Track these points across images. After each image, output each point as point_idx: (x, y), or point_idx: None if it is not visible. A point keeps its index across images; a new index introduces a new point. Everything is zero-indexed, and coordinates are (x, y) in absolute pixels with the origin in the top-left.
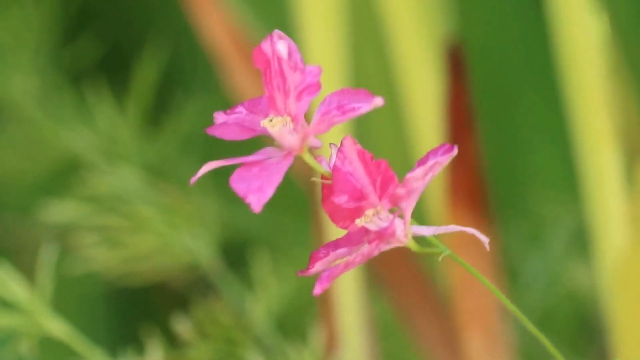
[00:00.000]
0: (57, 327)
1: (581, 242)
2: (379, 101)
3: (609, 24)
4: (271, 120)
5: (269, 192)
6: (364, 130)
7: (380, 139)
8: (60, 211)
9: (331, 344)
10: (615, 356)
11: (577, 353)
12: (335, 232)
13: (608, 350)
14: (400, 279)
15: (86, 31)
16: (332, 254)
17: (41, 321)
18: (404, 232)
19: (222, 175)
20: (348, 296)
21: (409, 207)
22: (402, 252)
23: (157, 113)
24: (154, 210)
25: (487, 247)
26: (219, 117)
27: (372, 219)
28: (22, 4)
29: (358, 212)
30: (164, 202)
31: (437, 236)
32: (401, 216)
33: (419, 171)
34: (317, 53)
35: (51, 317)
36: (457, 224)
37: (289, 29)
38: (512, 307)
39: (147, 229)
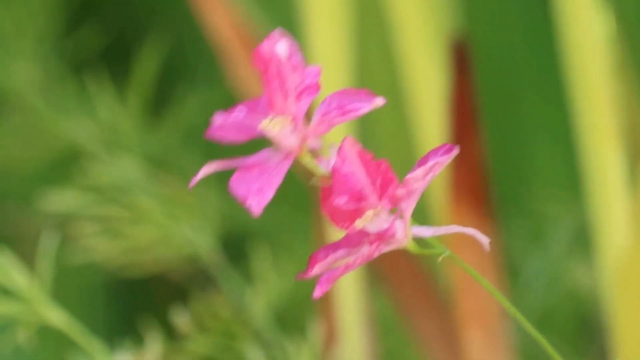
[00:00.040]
0: (56, 316)
1: (583, 241)
2: (379, 101)
3: (615, 23)
4: (271, 121)
5: (269, 194)
6: (367, 127)
7: (384, 135)
8: (61, 201)
9: (330, 339)
10: (616, 356)
11: (578, 352)
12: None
13: (608, 350)
14: (401, 276)
15: (89, 21)
16: (332, 256)
17: (40, 310)
18: (404, 234)
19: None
20: (348, 292)
21: (409, 208)
22: (403, 250)
23: (159, 104)
24: (155, 202)
25: (487, 248)
26: (218, 118)
27: (372, 220)
28: None
29: (358, 213)
30: (164, 193)
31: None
32: (401, 217)
33: (419, 172)
34: (321, 48)
35: (50, 306)
36: (460, 221)
37: (294, 23)
38: (511, 308)
39: (148, 220)
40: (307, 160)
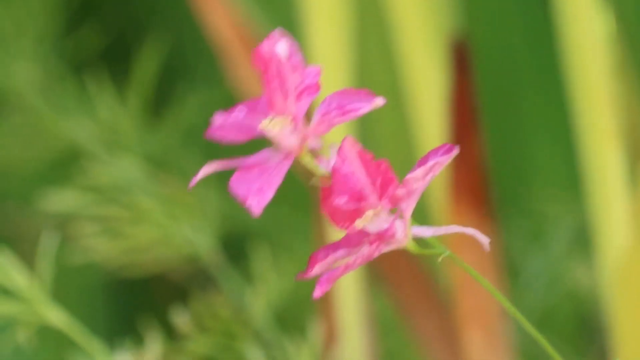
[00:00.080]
0: (56, 316)
1: (583, 241)
2: (379, 101)
3: (615, 23)
4: (271, 121)
5: (269, 194)
6: (367, 126)
7: (384, 135)
8: (61, 200)
9: (330, 339)
10: (616, 356)
11: (578, 352)
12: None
13: (608, 350)
14: (401, 276)
15: (89, 21)
16: (332, 256)
17: (40, 310)
18: (404, 234)
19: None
20: (348, 292)
21: (409, 208)
22: (403, 250)
23: (159, 104)
24: (155, 202)
25: (487, 248)
26: (218, 118)
27: (372, 220)
28: None
29: (358, 213)
30: (164, 193)
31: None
32: (401, 217)
33: (419, 172)
34: (321, 47)
35: (50, 306)
36: (460, 221)
37: (294, 23)
38: (510, 308)
39: (148, 220)
40: (307, 160)
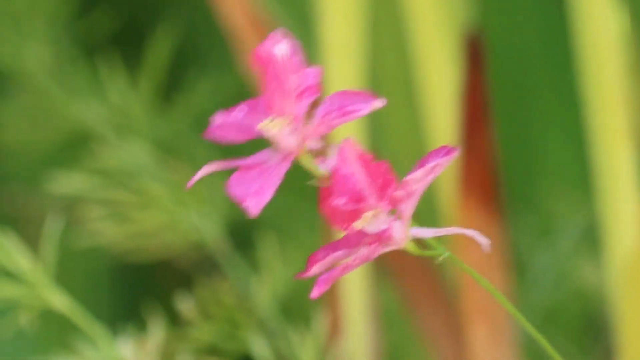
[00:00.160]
0: (59, 300)
1: (591, 239)
2: (378, 103)
3: (630, 21)
4: (270, 122)
5: (267, 195)
6: (379, 121)
7: (396, 130)
8: (69, 183)
9: (335, 330)
10: (621, 356)
11: (583, 351)
12: None
13: (614, 350)
14: (407, 269)
15: (102, 3)
16: (331, 256)
17: (43, 293)
18: (403, 235)
19: (232, 155)
20: (354, 284)
21: (408, 209)
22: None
23: (170, 89)
24: (163, 187)
25: (487, 249)
26: (218, 118)
27: (371, 221)
28: None
29: (357, 214)
30: (173, 179)
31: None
32: (400, 218)
33: (418, 173)
34: (335, 38)
35: (53, 289)
36: (468, 216)
37: (307, 11)
38: (510, 307)
39: (155, 205)
40: (307, 161)
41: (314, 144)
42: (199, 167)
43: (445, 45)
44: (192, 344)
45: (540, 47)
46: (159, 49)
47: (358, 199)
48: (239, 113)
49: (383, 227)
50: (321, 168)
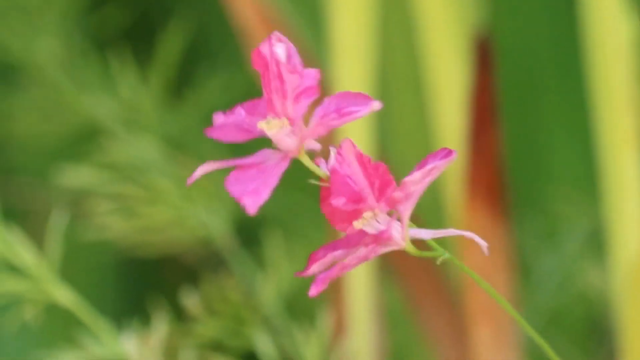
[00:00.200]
0: (63, 295)
1: (596, 243)
2: (376, 105)
3: (639, 24)
4: (269, 122)
5: (265, 194)
6: (387, 120)
7: (404, 129)
8: (77, 177)
9: (339, 329)
10: (624, 359)
11: (586, 354)
12: None
13: (617, 353)
14: (412, 269)
15: None
16: (330, 256)
17: (47, 288)
18: (402, 235)
19: (240, 152)
20: (359, 283)
21: (406, 210)
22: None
23: (181, 85)
24: (171, 183)
25: (487, 252)
26: (218, 118)
27: (370, 221)
28: None
29: (356, 214)
30: (181, 174)
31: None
32: (399, 219)
33: (417, 175)
34: (345, 39)
35: (58, 284)
36: (474, 217)
37: (318, 11)
38: (511, 310)
39: (163, 200)
40: (306, 161)
41: (313, 144)
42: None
43: (454, 46)
44: (196, 339)
45: (549, 49)
46: (170, 45)
47: (357, 199)
48: (239, 113)
49: (382, 227)
50: (322, 168)
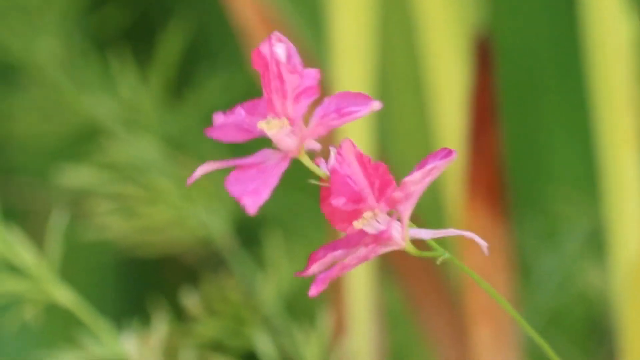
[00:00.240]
0: (63, 295)
1: (596, 243)
2: (376, 105)
3: (639, 25)
4: (269, 122)
5: (265, 194)
6: (388, 120)
7: (405, 130)
8: (77, 177)
9: (339, 329)
10: (624, 359)
11: (586, 354)
12: None
13: (617, 353)
14: (412, 269)
15: None
16: (330, 256)
17: (47, 288)
18: (402, 235)
19: (240, 152)
20: (359, 283)
21: (406, 210)
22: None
23: (181, 85)
24: (171, 183)
25: (486, 252)
26: (218, 118)
27: (370, 221)
28: None
29: (356, 214)
30: (181, 174)
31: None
32: (399, 219)
33: (416, 175)
34: (345, 40)
35: (57, 284)
36: (474, 217)
37: (318, 11)
38: (511, 310)
39: (163, 200)
40: (306, 161)
41: (313, 144)
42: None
43: (454, 46)
44: (196, 339)
45: (549, 49)
46: (170, 45)
47: (357, 199)
48: (239, 113)
49: (382, 227)
50: (322, 168)
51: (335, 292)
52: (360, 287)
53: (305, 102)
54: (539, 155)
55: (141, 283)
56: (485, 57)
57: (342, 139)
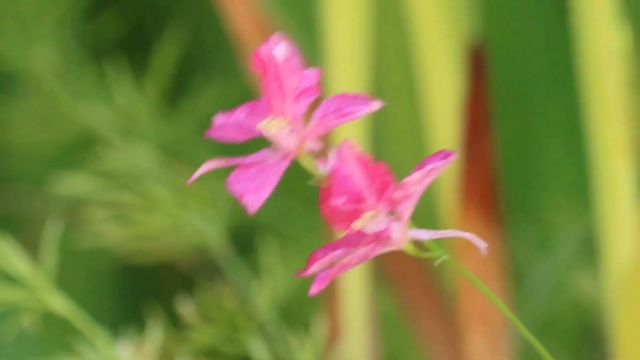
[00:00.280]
0: (59, 303)
1: (589, 250)
2: (376, 105)
3: (632, 35)
4: (269, 122)
5: (265, 193)
6: (381, 126)
7: (398, 135)
8: (73, 185)
9: (334, 335)
10: None
11: None
12: None
13: (609, 359)
14: (405, 275)
15: (110, 7)
16: (330, 255)
17: (43, 297)
18: (401, 236)
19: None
20: (353, 289)
21: (406, 210)
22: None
23: (176, 94)
24: (167, 191)
25: (485, 253)
26: (219, 118)
27: (370, 221)
28: None
29: (356, 214)
30: (176, 182)
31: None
32: (399, 219)
33: (416, 175)
34: (339, 46)
35: (53, 292)
36: (467, 224)
37: (312, 18)
38: (509, 314)
39: (159, 208)
40: (306, 161)
41: (312, 144)
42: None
43: (448, 54)
44: (192, 346)
45: (542, 58)
46: (166, 54)
47: (357, 199)
48: (240, 113)
49: (382, 227)
50: (321, 169)
51: (329, 298)
52: (355, 293)
53: (305, 102)
54: (532, 163)
55: (137, 290)
56: (479, 65)
57: (343, 139)
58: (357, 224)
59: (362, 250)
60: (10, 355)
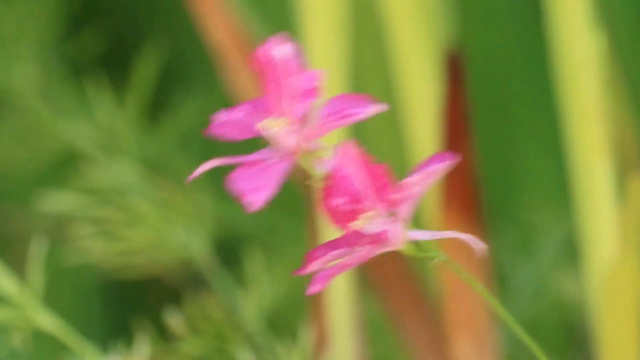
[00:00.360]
0: (47, 321)
1: (571, 251)
2: (377, 107)
3: (607, 39)
4: (269, 123)
5: (266, 193)
6: (361, 133)
7: (377, 142)
8: (58, 202)
9: (321, 344)
10: None
11: None
12: (329, 233)
13: None
14: (391, 281)
15: (89, 25)
16: (329, 255)
17: (31, 314)
18: (400, 237)
19: (218, 172)
20: (339, 297)
21: (406, 211)
22: (393, 255)
23: (157, 109)
24: (150, 205)
25: (482, 254)
26: (219, 116)
27: (369, 222)
28: None
29: (355, 214)
30: (160, 196)
31: (430, 241)
32: (398, 220)
33: (416, 177)
34: (317, 55)
35: (40, 310)
36: (450, 228)
37: (290, 30)
38: (504, 313)
39: (143, 222)
40: (305, 162)
41: (312, 145)
42: (185, 185)
43: (425, 61)
44: (181, 358)
45: (519, 63)
46: (145, 69)
47: (356, 199)
48: (239, 112)
49: (381, 228)
50: (318, 169)
51: (315, 307)
52: (341, 301)
53: (305, 103)
54: (512, 166)
55: (124, 305)
56: (456, 71)
57: (342, 140)
58: (357, 224)
59: (361, 251)
60: None
